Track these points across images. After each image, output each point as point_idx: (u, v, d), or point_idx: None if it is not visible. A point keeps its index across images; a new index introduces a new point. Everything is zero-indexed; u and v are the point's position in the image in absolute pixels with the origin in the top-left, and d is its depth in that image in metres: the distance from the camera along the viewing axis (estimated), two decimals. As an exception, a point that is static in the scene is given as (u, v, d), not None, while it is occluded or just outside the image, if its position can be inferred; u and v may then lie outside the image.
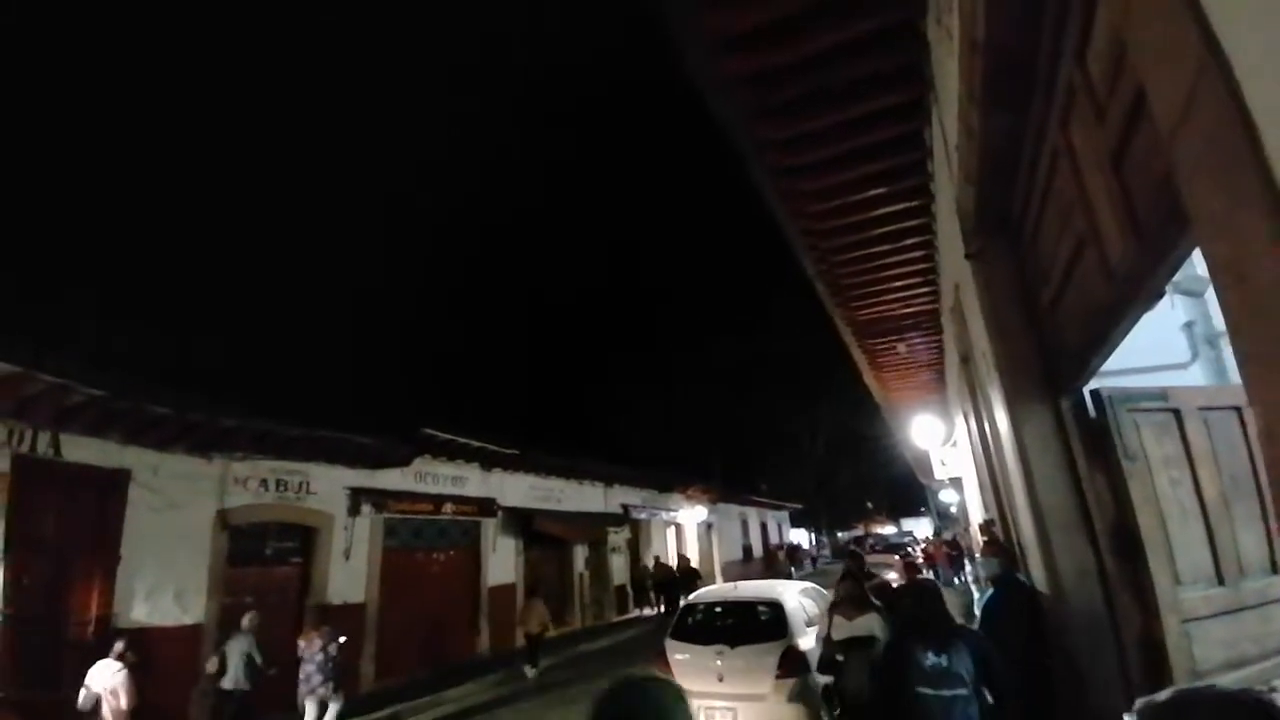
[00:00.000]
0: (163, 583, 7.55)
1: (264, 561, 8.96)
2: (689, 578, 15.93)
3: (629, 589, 17.68)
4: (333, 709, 7.04)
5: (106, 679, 5.59)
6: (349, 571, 9.85)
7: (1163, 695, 0.76)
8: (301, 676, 6.96)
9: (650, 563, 18.38)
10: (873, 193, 4.84)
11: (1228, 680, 2.57)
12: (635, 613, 17.41)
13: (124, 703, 5.54)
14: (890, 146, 4.33)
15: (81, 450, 7.02)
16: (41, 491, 6.70)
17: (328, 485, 9.70)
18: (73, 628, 6.78)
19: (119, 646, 5.87)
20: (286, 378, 10.20)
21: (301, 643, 7.14)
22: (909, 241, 5.64)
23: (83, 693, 5.53)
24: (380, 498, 10.51)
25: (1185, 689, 0.75)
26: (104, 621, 6.93)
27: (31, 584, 6.50)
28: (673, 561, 18.43)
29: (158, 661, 7.12)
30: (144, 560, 7.40)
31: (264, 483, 8.85)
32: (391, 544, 10.80)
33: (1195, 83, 1.00)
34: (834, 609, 5.04)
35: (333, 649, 7.05)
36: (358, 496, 10.11)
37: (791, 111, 3.92)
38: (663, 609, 16.16)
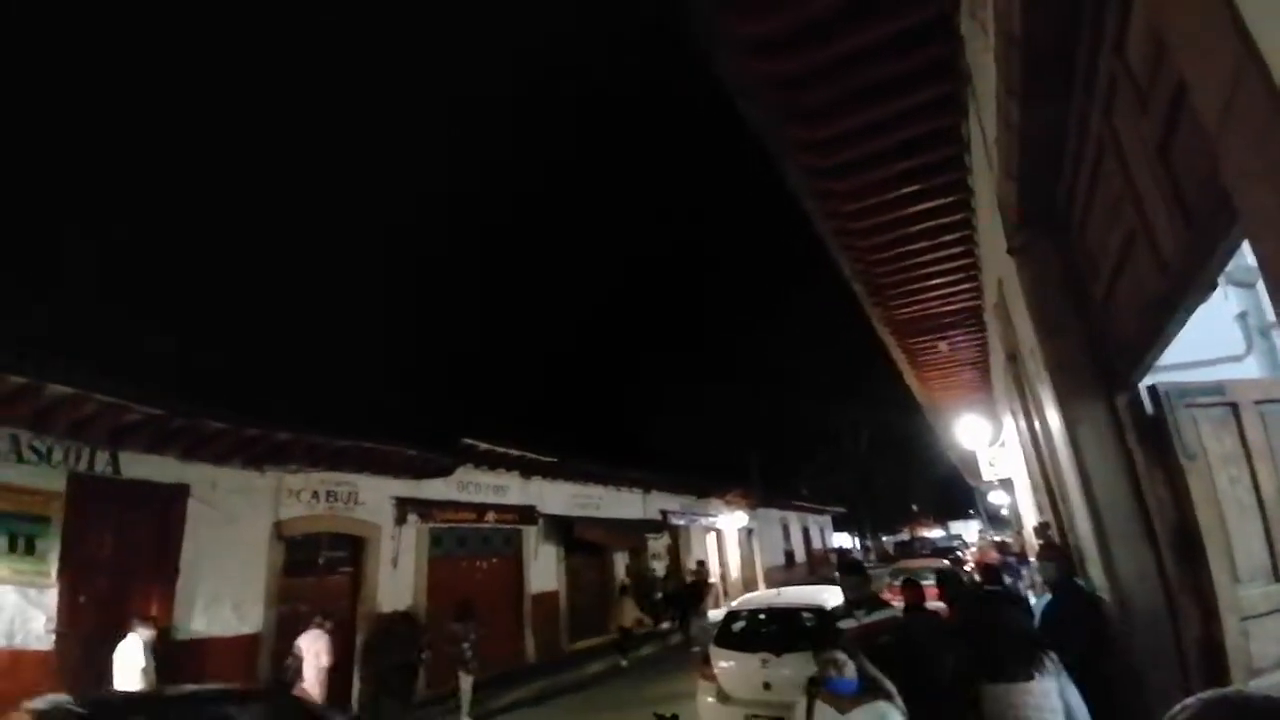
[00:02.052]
0: (221, 594, 7.75)
1: (317, 571, 9.24)
2: (696, 590, 14.53)
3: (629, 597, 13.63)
4: (468, 683, 8.88)
5: (311, 643, 7.35)
6: (397, 579, 10.09)
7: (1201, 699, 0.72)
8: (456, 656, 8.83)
9: (691, 566, 17.39)
10: (908, 189, 4.77)
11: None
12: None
13: (324, 660, 7.31)
14: (926, 142, 4.27)
15: (141, 467, 7.24)
16: (100, 509, 6.85)
17: (375, 496, 9.96)
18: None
19: (319, 618, 7.67)
20: (330, 389, 10.51)
21: (457, 626, 9.02)
22: (948, 238, 5.52)
23: (290, 658, 7.26)
24: (425, 507, 10.75)
25: (1215, 696, 0.72)
26: (164, 634, 6.86)
27: (90, 601, 6.61)
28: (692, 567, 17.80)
29: (216, 671, 7.25)
30: (202, 573, 7.59)
31: (315, 494, 9.14)
32: (437, 553, 11.03)
33: (1235, 81, 0.98)
34: (814, 687, 2.94)
35: (473, 636, 8.95)
36: (404, 506, 10.36)
37: (823, 112, 3.91)
38: (672, 623, 15.05)
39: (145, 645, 6.05)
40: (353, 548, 9.73)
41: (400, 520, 10.29)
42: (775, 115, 3.84)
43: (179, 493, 7.61)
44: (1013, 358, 5.03)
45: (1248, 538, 2.66)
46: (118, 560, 7.00)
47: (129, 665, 5.91)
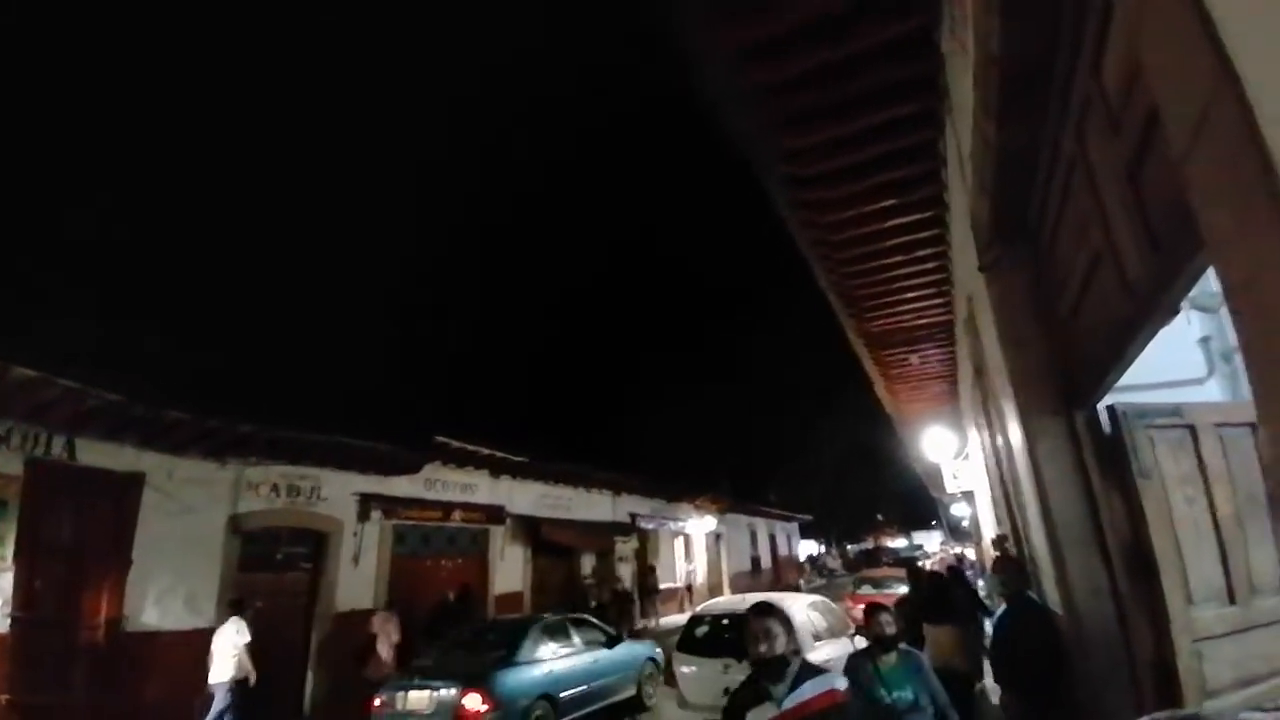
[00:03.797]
0: (174, 587, 7.57)
1: (275, 567, 9.01)
2: (620, 602, 13.88)
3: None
4: None
5: (383, 623, 8.17)
6: (358, 577, 9.88)
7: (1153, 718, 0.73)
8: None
9: (620, 574, 16.27)
10: (885, 203, 4.83)
11: (1236, 699, 2.53)
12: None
13: (394, 637, 8.10)
14: (903, 156, 4.32)
15: (96, 454, 7.08)
16: (55, 495, 6.76)
17: (338, 491, 9.75)
18: (84, 631, 6.80)
19: (386, 601, 8.99)
20: (297, 382, 10.28)
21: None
22: (922, 253, 5.61)
23: (365, 636, 8.19)
24: (390, 504, 10.55)
25: (1167, 717, 0.73)
26: (114, 625, 6.94)
27: (44, 587, 6.54)
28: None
29: (166, 665, 7.14)
30: (156, 564, 7.43)
31: (276, 488, 8.91)
32: (400, 551, 10.83)
33: (1207, 105, 0.99)
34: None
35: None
36: (367, 502, 10.16)
37: (804, 122, 3.93)
38: None
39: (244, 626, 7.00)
40: (313, 543, 9.51)
41: (363, 517, 10.08)
42: (756, 123, 3.85)
43: (134, 481, 7.43)
44: (980, 373, 5.11)
45: (1203, 559, 2.69)
46: (74, 546, 6.90)
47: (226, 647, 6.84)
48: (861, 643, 6.80)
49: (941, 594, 5.84)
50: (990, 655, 4.38)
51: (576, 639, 8.04)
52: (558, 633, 7.86)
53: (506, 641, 7.25)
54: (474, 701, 6.25)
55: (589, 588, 15.22)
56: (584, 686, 7.64)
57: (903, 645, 3.37)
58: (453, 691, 6.34)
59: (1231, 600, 2.72)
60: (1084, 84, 1.97)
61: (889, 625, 3.30)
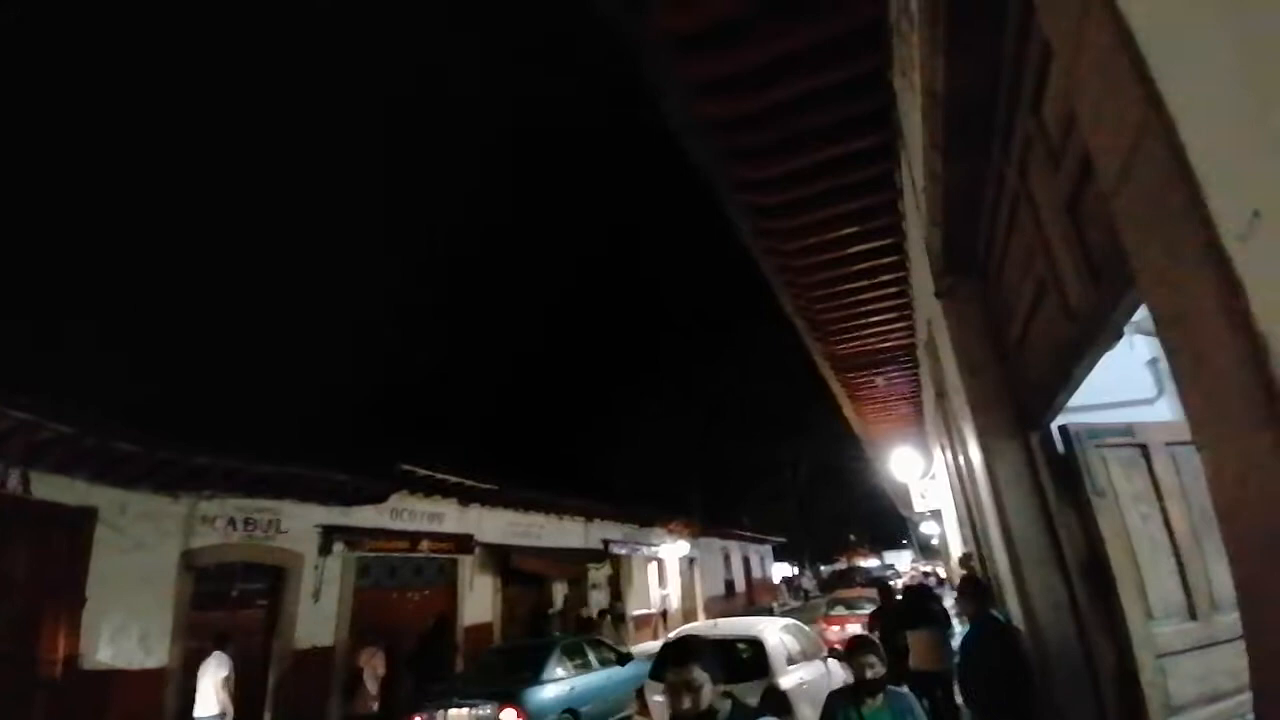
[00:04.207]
0: (127, 625, 7.33)
1: (230, 604, 8.64)
2: (586, 629, 13.18)
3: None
4: None
5: (367, 658, 8.30)
6: (318, 613, 9.52)
7: None
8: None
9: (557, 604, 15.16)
10: (847, 231, 4.96)
11: (1202, 715, 2.58)
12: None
13: (380, 671, 8.25)
14: (863, 187, 4.46)
15: (49, 488, 6.88)
16: (11, 529, 6.58)
17: (299, 523, 9.43)
18: (43, 666, 6.64)
19: (372, 636, 8.80)
20: (257, 412, 10.02)
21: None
22: (884, 278, 5.76)
23: (353, 669, 8.33)
24: (354, 536, 10.24)
25: None
26: (71, 662, 6.79)
27: (1, 623, 6.36)
28: (651, 598, 17.55)
29: (121, 705, 6.97)
30: (110, 601, 7.20)
31: (232, 522, 8.59)
32: (364, 583, 10.49)
33: (1137, 141, 1.04)
34: None
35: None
36: (330, 535, 9.84)
37: (766, 153, 4.03)
38: None
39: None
40: (271, 579, 9.15)
41: (325, 550, 9.75)
42: (719, 153, 3.94)
43: (87, 516, 7.20)
44: (941, 394, 5.23)
45: (1161, 575, 2.73)
46: (29, 581, 6.71)
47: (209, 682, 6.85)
48: (835, 667, 6.82)
49: (921, 602, 6.40)
50: (957, 676, 4.43)
51: (592, 658, 8.98)
52: (576, 653, 8.80)
53: (533, 662, 8.09)
54: (510, 716, 7.02)
55: (551, 617, 14.81)
56: (601, 701, 8.41)
57: (891, 687, 3.04)
58: (489, 708, 7.06)
59: (1193, 616, 2.74)
60: (1025, 122, 2.07)
61: (875, 666, 2.95)
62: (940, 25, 1.91)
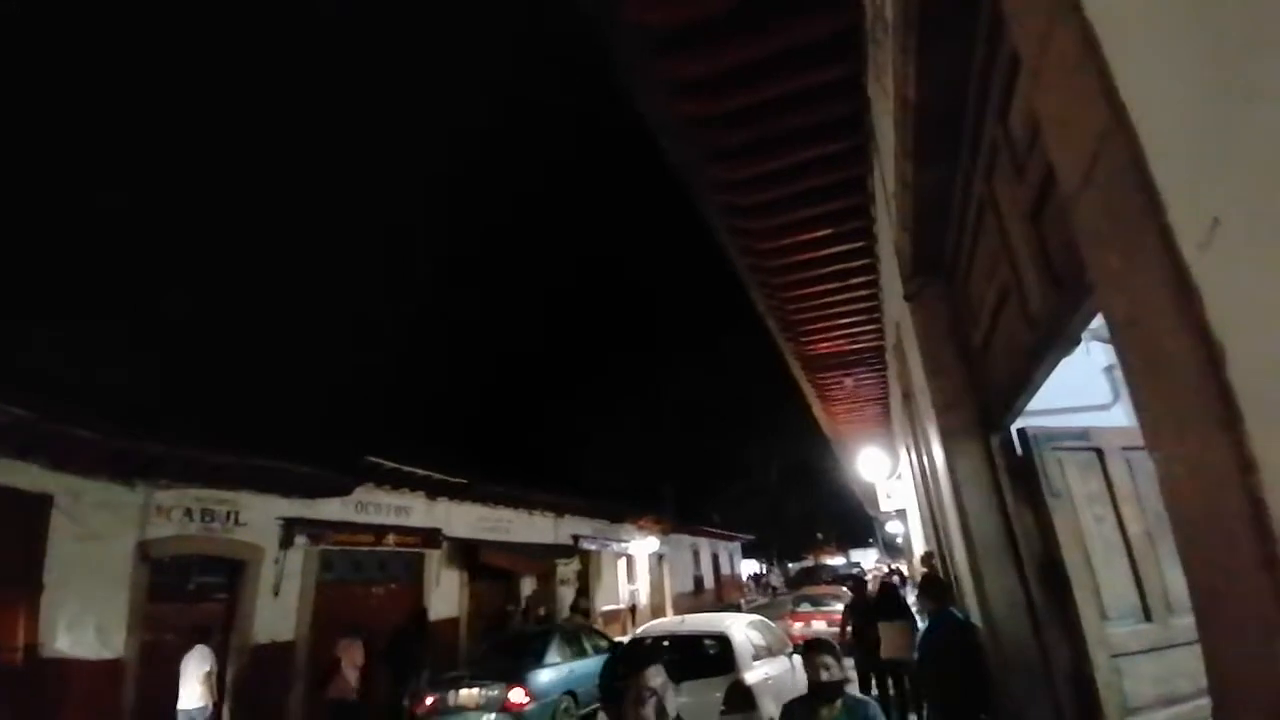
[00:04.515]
0: (84, 615, 7.14)
1: (187, 597, 8.39)
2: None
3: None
4: None
5: (345, 647, 7.94)
6: (279, 608, 9.30)
7: None
8: None
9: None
10: (820, 233, 5.01)
11: (1161, 716, 2.60)
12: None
13: (358, 661, 7.92)
14: (836, 190, 4.51)
15: (6, 474, 6.69)
16: None
17: (259, 516, 9.19)
18: (4, 653, 6.48)
19: (354, 627, 8.29)
20: (225, 402, 9.73)
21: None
22: (855, 280, 5.84)
23: (331, 660, 7.94)
24: (317, 529, 10.01)
25: None
26: (32, 650, 6.66)
27: None
28: (620, 596, 17.47)
29: (79, 696, 6.82)
30: (67, 590, 7.02)
31: (189, 512, 8.33)
32: (327, 577, 10.26)
33: (1098, 148, 1.05)
34: None
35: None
36: (291, 527, 9.60)
37: (741, 154, 4.05)
38: None
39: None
40: (230, 572, 8.91)
41: (286, 543, 9.52)
42: (695, 154, 3.94)
43: (42, 503, 6.99)
44: (908, 396, 5.33)
45: (1115, 576, 2.78)
46: None
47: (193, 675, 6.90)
48: (799, 664, 6.92)
49: (893, 597, 6.77)
50: (916, 673, 4.52)
51: (587, 645, 9.77)
52: (573, 640, 9.62)
53: (535, 648, 8.90)
54: (518, 695, 7.73)
55: (510, 614, 14.39)
56: (597, 684, 8.62)
57: (850, 693, 2.78)
58: (498, 688, 7.75)
59: (1148, 617, 2.77)
60: (992, 130, 2.11)
61: (831, 668, 2.69)
62: (913, 33, 1.94)
